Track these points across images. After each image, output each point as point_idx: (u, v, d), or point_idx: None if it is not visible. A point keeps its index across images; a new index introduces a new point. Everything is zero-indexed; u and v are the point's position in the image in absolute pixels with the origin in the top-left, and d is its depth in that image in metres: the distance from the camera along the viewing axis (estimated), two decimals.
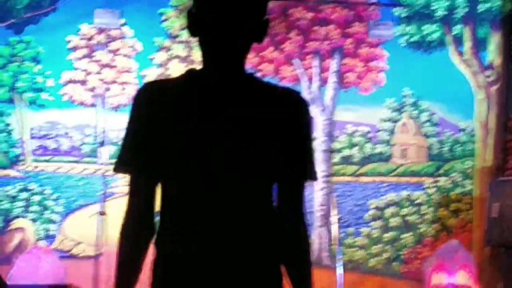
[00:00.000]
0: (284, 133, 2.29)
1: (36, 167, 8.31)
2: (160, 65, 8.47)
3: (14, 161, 8.29)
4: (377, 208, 8.52)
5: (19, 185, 8.25)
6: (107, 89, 8.45)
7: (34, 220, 8.20)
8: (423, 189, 8.58)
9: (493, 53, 8.68)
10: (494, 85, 8.62)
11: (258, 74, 8.61)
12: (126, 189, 2.38)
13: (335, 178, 7.77)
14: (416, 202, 8.56)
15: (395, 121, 8.68)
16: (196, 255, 2.24)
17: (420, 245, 8.46)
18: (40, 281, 7.66)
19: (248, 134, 2.25)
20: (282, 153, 2.29)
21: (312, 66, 8.64)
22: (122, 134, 2.41)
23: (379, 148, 8.66)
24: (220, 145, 2.23)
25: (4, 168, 8.27)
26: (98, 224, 7.09)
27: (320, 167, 7.84)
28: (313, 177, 2.40)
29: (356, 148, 8.64)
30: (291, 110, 2.31)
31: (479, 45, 8.69)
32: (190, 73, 2.35)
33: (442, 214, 8.54)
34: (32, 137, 8.35)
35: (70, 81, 8.43)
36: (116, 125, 7.77)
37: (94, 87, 8.44)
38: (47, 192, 8.26)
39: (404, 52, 8.68)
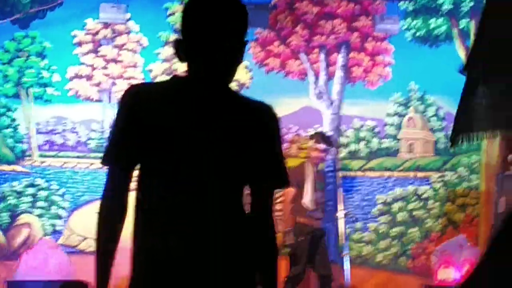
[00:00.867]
0: (257, 142, 2.48)
1: (43, 162, 8.32)
2: (165, 60, 8.46)
3: (21, 157, 8.30)
4: (384, 203, 8.51)
5: (26, 180, 8.25)
6: (113, 84, 8.45)
7: (40, 216, 8.20)
8: (430, 183, 8.56)
9: None
10: None
11: (265, 68, 8.61)
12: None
13: (342, 173, 7.76)
14: (423, 196, 8.55)
15: (402, 116, 8.66)
16: (174, 250, 2.38)
17: (427, 240, 8.45)
18: (47, 276, 7.68)
19: (226, 141, 2.42)
20: (255, 159, 2.48)
21: (319, 60, 8.63)
22: None
23: (386, 143, 8.64)
24: (200, 150, 2.40)
25: (11, 163, 8.28)
26: None
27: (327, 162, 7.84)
28: (285, 182, 2.59)
29: (363, 142, 8.63)
30: (264, 122, 2.51)
31: None
32: (175, 79, 2.53)
33: (449, 208, 8.52)
34: (38, 132, 8.35)
35: (76, 76, 8.43)
36: None
37: (100, 82, 8.44)
38: (54, 188, 8.27)
39: (410, 46, 8.67)
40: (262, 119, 2.50)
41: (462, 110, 3.04)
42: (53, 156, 8.35)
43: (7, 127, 8.30)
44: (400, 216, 8.50)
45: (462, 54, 8.61)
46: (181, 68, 2.48)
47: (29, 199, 8.21)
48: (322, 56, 8.62)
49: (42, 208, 8.21)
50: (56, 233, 8.20)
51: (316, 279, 7.51)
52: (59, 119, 8.38)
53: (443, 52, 8.64)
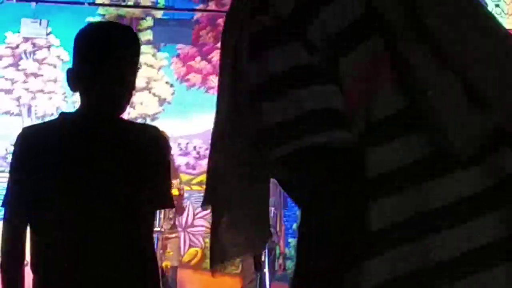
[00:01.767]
0: (142, 165, 2.44)
1: None
2: None
3: None
4: None
5: None
6: (33, 98, 8.39)
7: None
8: None
9: None
10: None
11: (186, 84, 8.66)
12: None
13: None
14: None
15: None
16: (67, 283, 2.39)
17: None
18: None
19: (113, 169, 2.40)
20: (144, 183, 2.44)
21: None
22: None
23: None
24: (90, 181, 2.38)
25: None
26: None
27: None
28: (170, 204, 2.66)
29: None
30: (148, 145, 2.48)
31: None
32: (64, 116, 2.52)
33: None
34: None
35: None
36: None
37: (20, 96, 8.37)
38: None
39: None
40: (146, 141, 2.48)
41: None
42: None
43: None
44: None
45: None
46: None
47: None
48: None
49: None
50: None
51: None
52: None
53: None
